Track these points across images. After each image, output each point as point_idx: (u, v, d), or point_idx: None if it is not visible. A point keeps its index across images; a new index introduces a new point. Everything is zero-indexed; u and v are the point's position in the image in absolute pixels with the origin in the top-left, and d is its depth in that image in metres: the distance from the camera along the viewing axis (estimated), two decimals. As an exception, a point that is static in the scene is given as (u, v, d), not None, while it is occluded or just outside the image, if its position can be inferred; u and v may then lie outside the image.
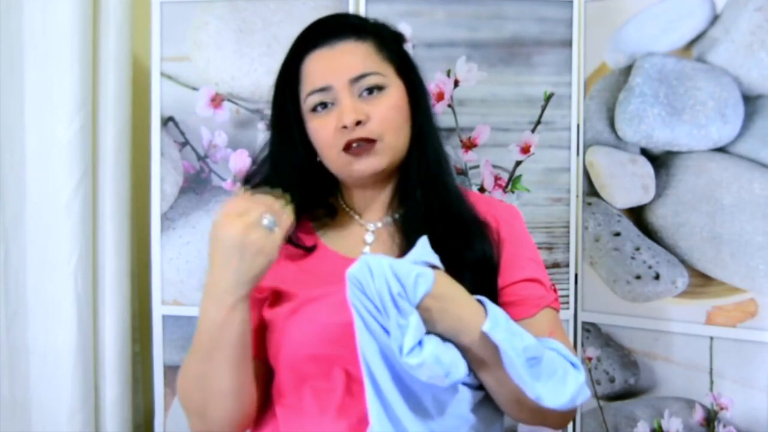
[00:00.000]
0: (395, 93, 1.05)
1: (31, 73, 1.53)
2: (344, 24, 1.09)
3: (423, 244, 0.92)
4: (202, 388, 0.97)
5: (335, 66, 1.03)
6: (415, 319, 0.85)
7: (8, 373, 1.54)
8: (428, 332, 0.88)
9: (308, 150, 1.08)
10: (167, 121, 1.60)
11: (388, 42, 1.08)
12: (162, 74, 1.59)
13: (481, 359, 0.92)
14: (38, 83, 1.53)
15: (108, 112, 1.60)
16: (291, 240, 1.07)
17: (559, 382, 0.89)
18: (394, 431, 0.87)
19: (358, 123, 1.01)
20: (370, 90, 1.03)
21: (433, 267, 0.91)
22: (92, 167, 1.57)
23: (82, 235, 1.54)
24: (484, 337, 0.89)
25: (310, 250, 1.08)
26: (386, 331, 0.86)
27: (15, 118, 1.53)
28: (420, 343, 0.85)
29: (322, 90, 1.03)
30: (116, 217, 1.62)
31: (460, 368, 0.89)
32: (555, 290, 1.09)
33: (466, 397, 0.95)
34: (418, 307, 0.87)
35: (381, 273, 0.85)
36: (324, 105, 1.03)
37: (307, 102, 1.04)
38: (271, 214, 0.91)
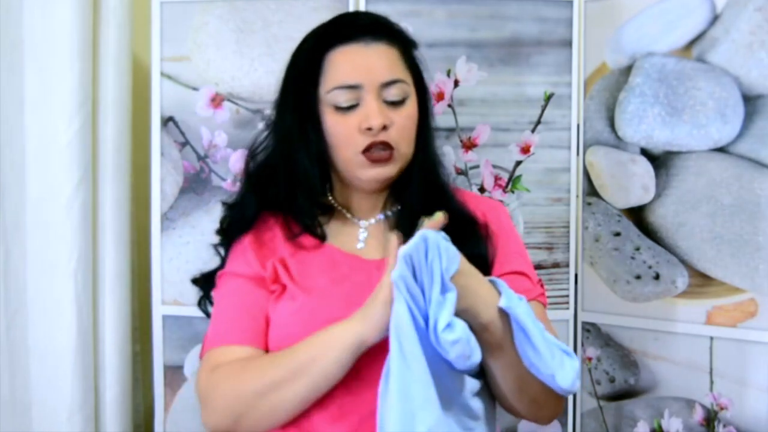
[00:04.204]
0: (413, 103, 1.06)
1: (31, 73, 1.53)
2: (378, 24, 1.08)
3: (424, 221, 0.92)
4: (269, 397, 0.95)
5: (368, 66, 1.03)
6: (452, 296, 0.86)
7: (8, 373, 1.54)
8: None
9: (321, 139, 1.07)
10: (167, 121, 1.60)
11: (409, 50, 1.09)
12: (162, 74, 1.59)
13: (495, 342, 0.93)
14: (38, 83, 1.53)
15: (108, 112, 1.59)
16: (309, 228, 1.08)
17: (559, 366, 0.90)
18: (415, 411, 0.86)
19: (384, 128, 1.01)
20: (394, 99, 1.03)
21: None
22: (92, 167, 1.57)
23: (82, 235, 1.54)
24: (500, 317, 0.91)
25: (323, 239, 1.09)
26: (421, 315, 0.86)
27: (15, 118, 1.53)
28: (450, 323, 0.86)
29: (351, 87, 1.02)
30: (116, 217, 1.61)
31: (478, 352, 0.90)
32: (542, 285, 1.10)
33: (469, 386, 0.96)
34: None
35: (436, 246, 0.86)
36: (349, 103, 1.03)
37: (331, 95, 1.03)
38: None
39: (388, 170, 1.04)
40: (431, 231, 0.88)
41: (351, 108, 1.03)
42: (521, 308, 0.90)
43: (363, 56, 1.03)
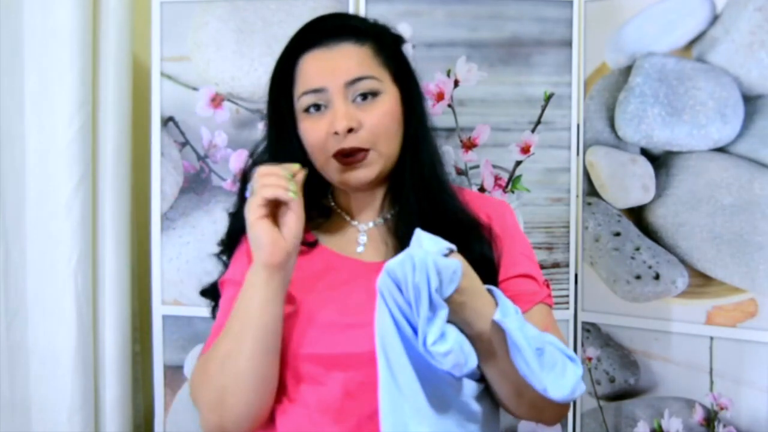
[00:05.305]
0: (389, 99, 1.04)
1: (31, 73, 1.53)
2: (344, 25, 1.08)
3: (420, 235, 0.90)
4: (227, 369, 0.95)
5: (331, 68, 1.02)
6: (444, 314, 0.85)
7: (8, 373, 1.54)
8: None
9: (303, 147, 1.07)
10: (167, 121, 1.60)
11: (386, 46, 1.07)
12: (162, 74, 1.59)
13: (488, 350, 0.92)
14: (38, 83, 1.53)
15: (108, 112, 1.60)
16: None
17: (560, 374, 0.90)
18: (406, 422, 0.86)
19: (350, 130, 1.00)
20: (364, 95, 1.02)
21: (451, 251, 0.91)
22: (92, 167, 1.57)
23: (82, 235, 1.54)
24: (494, 327, 0.90)
25: (312, 245, 1.08)
26: (410, 325, 0.86)
27: (15, 118, 1.53)
28: (442, 333, 0.85)
29: (316, 91, 1.02)
30: (116, 217, 1.62)
31: (473, 357, 0.89)
32: (548, 286, 1.09)
33: (468, 390, 0.96)
34: (444, 300, 0.87)
35: (424, 267, 0.84)
36: (317, 107, 1.03)
37: (301, 102, 1.04)
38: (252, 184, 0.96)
39: (367, 172, 1.03)
40: (420, 250, 0.86)
41: (321, 112, 1.03)
42: (513, 323, 0.89)
43: (327, 59, 1.03)
